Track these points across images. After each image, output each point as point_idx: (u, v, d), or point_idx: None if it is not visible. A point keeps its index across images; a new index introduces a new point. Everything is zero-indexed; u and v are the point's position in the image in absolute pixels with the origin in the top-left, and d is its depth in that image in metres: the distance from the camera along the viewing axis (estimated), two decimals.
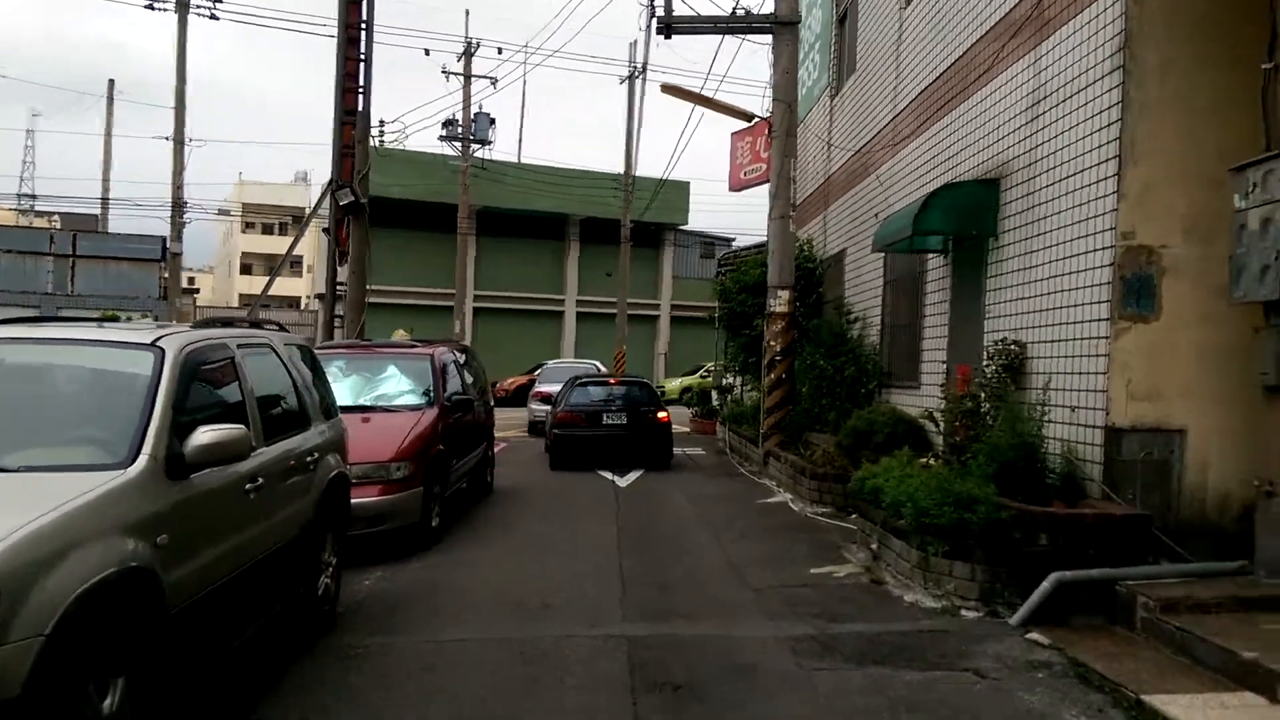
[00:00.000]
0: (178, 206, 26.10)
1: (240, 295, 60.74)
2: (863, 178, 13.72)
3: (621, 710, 4.55)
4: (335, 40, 15.63)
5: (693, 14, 14.32)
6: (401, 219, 36.83)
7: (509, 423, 22.14)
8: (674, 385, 33.89)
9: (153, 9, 25.01)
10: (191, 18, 25.65)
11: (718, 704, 4.63)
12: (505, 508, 10.70)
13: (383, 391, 9.29)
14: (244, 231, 65.31)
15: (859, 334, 13.32)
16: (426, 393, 9.24)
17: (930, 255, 10.64)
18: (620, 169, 33.79)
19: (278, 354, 5.47)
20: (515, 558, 8.07)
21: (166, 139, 26.05)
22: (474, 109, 30.91)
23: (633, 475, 13.46)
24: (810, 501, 10.34)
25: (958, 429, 8.08)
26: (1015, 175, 8.50)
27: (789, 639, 5.63)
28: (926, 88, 11.03)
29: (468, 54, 30.41)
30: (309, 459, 5.41)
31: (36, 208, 47.76)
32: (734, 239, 41.00)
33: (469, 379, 11.22)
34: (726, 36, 14.82)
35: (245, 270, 66.33)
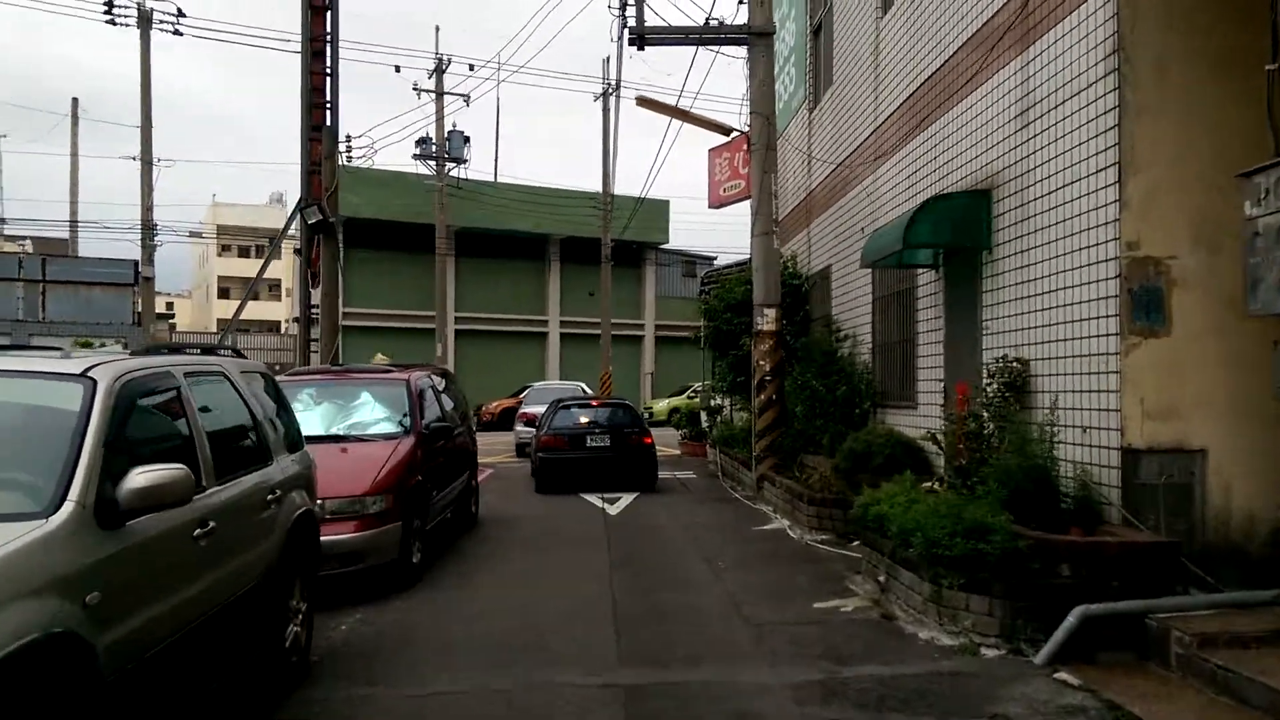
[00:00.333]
0: (148, 229, 25.52)
1: (218, 320, 59.97)
2: (846, 192, 13.47)
3: None
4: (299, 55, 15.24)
5: (665, 25, 14.02)
6: (378, 240, 36.50)
7: (495, 448, 21.73)
8: (661, 406, 33.54)
9: (114, 24, 24.51)
10: (156, 34, 25.21)
11: None
12: (491, 540, 10.24)
13: (356, 420, 8.79)
14: (220, 255, 64.63)
15: (849, 352, 13.00)
16: (403, 420, 8.76)
17: (921, 270, 10.34)
18: (598, 187, 33.55)
19: (233, 383, 5.00)
20: (503, 595, 7.62)
21: (134, 159, 25.49)
22: (447, 126, 30.52)
23: (622, 502, 13.02)
24: (809, 528, 9.93)
25: (961, 451, 7.71)
26: (1007, 186, 8.21)
27: (794, 685, 5.20)
28: (909, 98, 10.78)
29: (439, 70, 30.05)
30: (270, 497, 4.95)
31: (6, 232, 46.91)
32: (715, 257, 40.93)
33: (449, 404, 10.77)
34: (700, 48, 14.42)
35: (223, 294, 65.53)
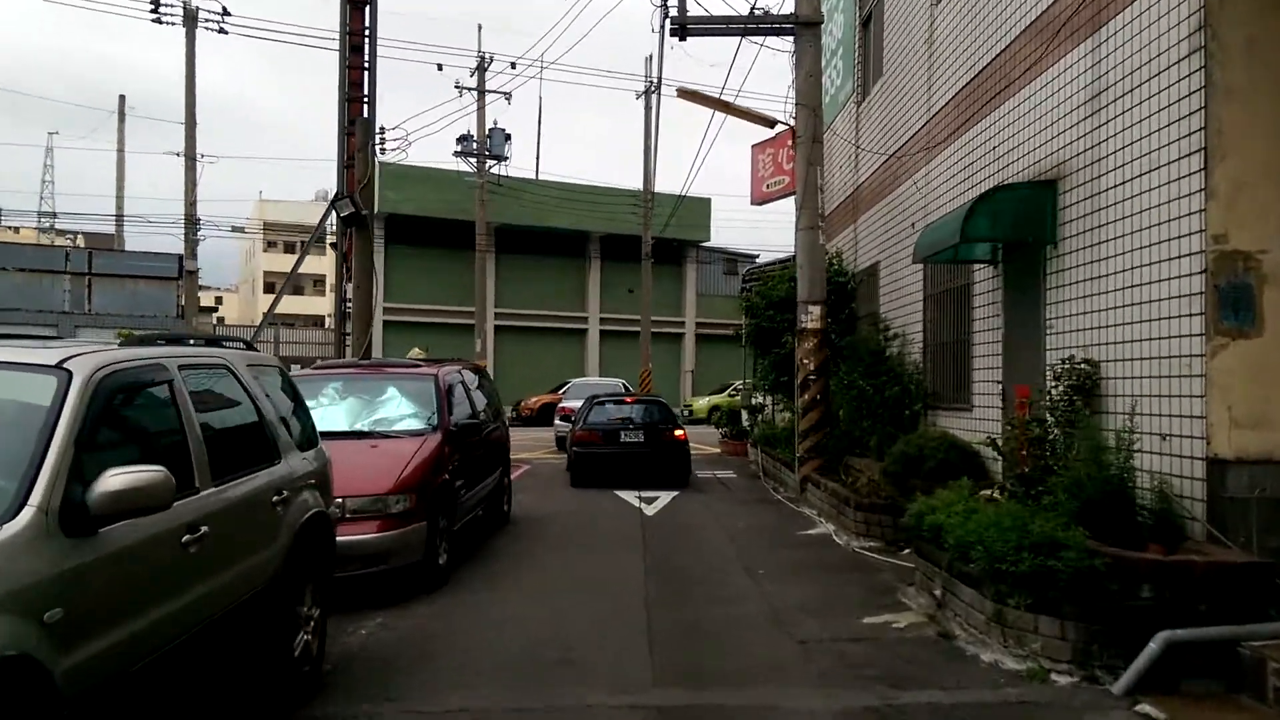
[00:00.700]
0: (191, 223, 25.62)
1: (263, 314, 60.45)
2: (895, 186, 12.95)
3: None
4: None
5: (708, 14, 13.53)
6: (420, 236, 36.52)
7: (534, 443, 21.50)
8: (702, 404, 33.17)
9: (160, 23, 24.65)
10: (201, 32, 25.34)
11: None
12: (523, 540, 9.86)
13: (382, 415, 8.43)
14: (266, 250, 65.24)
15: (899, 352, 12.47)
16: (430, 417, 8.40)
17: (977, 266, 9.81)
18: (639, 184, 33.21)
19: (237, 376, 4.63)
20: (532, 601, 7.23)
21: (178, 155, 25.59)
22: (488, 124, 30.32)
23: (660, 501, 12.60)
24: (856, 535, 9.41)
25: (1025, 458, 7.17)
26: (1076, 176, 7.67)
27: (845, 713, 4.73)
28: (965, 86, 10.26)
29: (481, 69, 29.86)
30: (276, 498, 4.59)
31: (58, 226, 47.71)
32: (758, 255, 40.36)
33: (480, 401, 10.41)
34: (744, 40, 13.90)
35: (269, 289, 66.06)
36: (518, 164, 34.26)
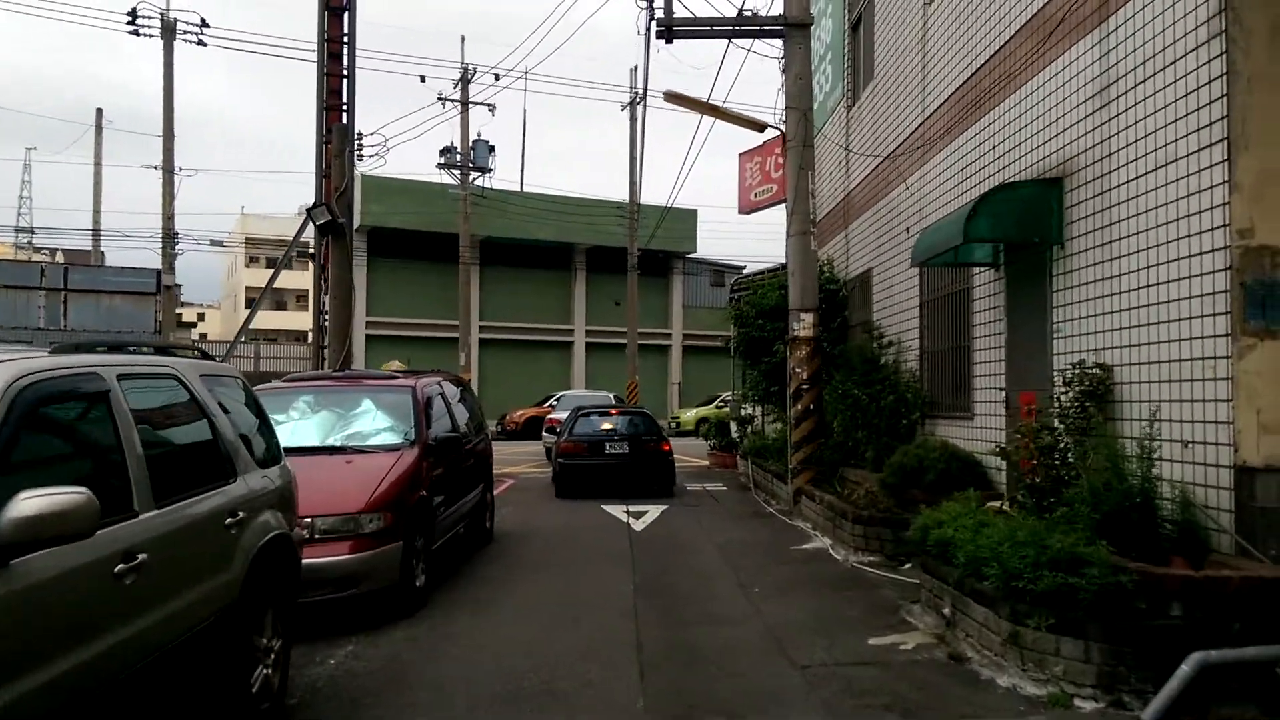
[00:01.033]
0: (169, 237, 25.12)
1: (240, 328, 59.80)
2: (888, 191, 12.64)
3: None
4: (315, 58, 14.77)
5: (694, 16, 13.21)
6: (403, 249, 36.17)
7: (519, 457, 21.04)
8: (689, 416, 32.83)
9: (138, 34, 24.21)
10: (180, 45, 24.97)
11: None
12: (506, 559, 9.42)
13: (356, 430, 7.98)
14: (248, 266, 64.61)
15: (894, 359, 12.13)
16: (407, 431, 7.96)
17: (978, 269, 9.48)
18: (625, 196, 32.94)
19: (187, 387, 4.21)
20: (515, 624, 6.80)
21: (155, 168, 25.13)
22: (472, 136, 30.00)
23: (649, 516, 12.18)
24: (854, 549, 9.01)
25: (1035, 467, 6.81)
26: (1084, 172, 7.35)
27: None
28: (961, 86, 9.98)
29: (464, 80, 29.55)
30: (231, 520, 4.17)
31: (35, 242, 47.02)
32: (744, 266, 40.18)
33: (462, 414, 9.98)
34: (732, 41, 13.56)
35: (250, 304, 65.49)
36: (502, 176, 34.01)
